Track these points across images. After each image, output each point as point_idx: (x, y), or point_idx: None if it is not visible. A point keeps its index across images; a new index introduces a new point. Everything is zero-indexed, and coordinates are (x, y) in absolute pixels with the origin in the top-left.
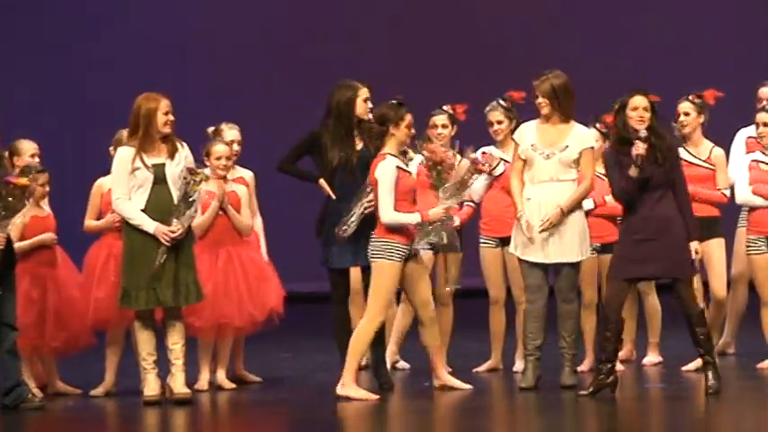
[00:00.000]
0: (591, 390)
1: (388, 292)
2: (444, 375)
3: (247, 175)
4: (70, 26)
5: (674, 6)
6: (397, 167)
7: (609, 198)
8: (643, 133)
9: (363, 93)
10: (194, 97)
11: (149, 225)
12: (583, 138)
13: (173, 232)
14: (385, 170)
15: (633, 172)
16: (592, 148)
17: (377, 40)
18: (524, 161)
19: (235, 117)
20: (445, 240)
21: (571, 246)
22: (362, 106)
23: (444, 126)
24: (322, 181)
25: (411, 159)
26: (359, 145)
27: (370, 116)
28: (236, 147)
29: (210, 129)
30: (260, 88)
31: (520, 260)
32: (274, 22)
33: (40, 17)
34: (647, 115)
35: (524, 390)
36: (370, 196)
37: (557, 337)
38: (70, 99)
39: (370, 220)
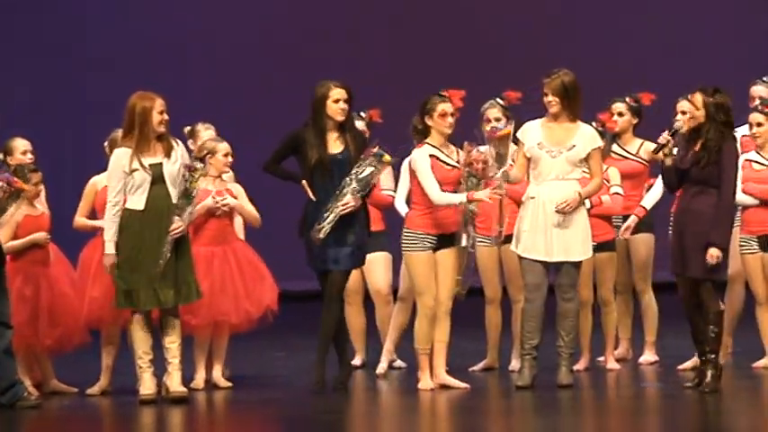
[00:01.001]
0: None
1: (424, 282)
2: (442, 374)
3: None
4: (70, 26)
5: (674, 6)
6: (431, 156)
7: (605, 198)
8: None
9: (334, 93)
10: (194, 97)
11: (109, 247)
12: (590, 137)
13: (175, 230)
14: (417, 158)
15: (667, 161)
16: (600, 148)
17: (377, 40)
18: (529, 159)
19: (235, 117)
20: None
21: (574, 244)
22: (333, 107)
23: None
24: (304, 182)
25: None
26: (339, 147)
27: (363, 115)
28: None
29: (186, 128)
30: (260, 88)
31: (520, 258)
32: (274, 22)
33: (40, 17)
34: (697, 113)
35: (521, 389)
36: (347, 198)
37: (554, 336)
38: (70, 99)
39: (349, 224)
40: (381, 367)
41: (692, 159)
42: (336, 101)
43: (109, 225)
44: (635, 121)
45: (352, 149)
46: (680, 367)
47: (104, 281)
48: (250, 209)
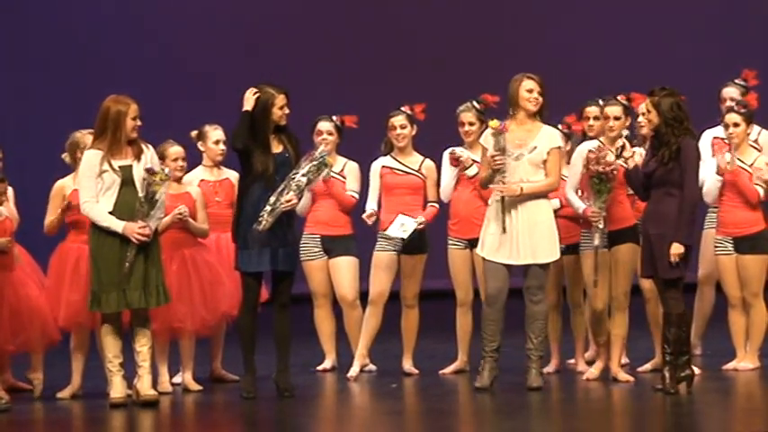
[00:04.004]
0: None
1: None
2: (615, 367)
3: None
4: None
5: (642, 8)
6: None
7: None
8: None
9: (279, 100)
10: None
11: (118, 225)
12: (550, 137)
13: (142, 228)
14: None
15: (629, 163)
16: (559, 147)
17: (348, 45)
18: None
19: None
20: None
21: (540, 246)
22: (278, 113)
23: (403, 126)
24: None
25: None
26: (279, 147)
27: (334, 118)
28: (222, 146)
29: (194, 132)
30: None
31: (484, 260)
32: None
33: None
34: (651, 116)
35: (480, 390)
36: (289, 195)
37: (523, 339)
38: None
39: (288, 224)
40: (353, 371)
41: (656, 162)
42: (281, 107)
43: (99, 215)
44: None
45: (290, 149)
46: (639, 369)
47: (82, 285)
48: (201, 221)
